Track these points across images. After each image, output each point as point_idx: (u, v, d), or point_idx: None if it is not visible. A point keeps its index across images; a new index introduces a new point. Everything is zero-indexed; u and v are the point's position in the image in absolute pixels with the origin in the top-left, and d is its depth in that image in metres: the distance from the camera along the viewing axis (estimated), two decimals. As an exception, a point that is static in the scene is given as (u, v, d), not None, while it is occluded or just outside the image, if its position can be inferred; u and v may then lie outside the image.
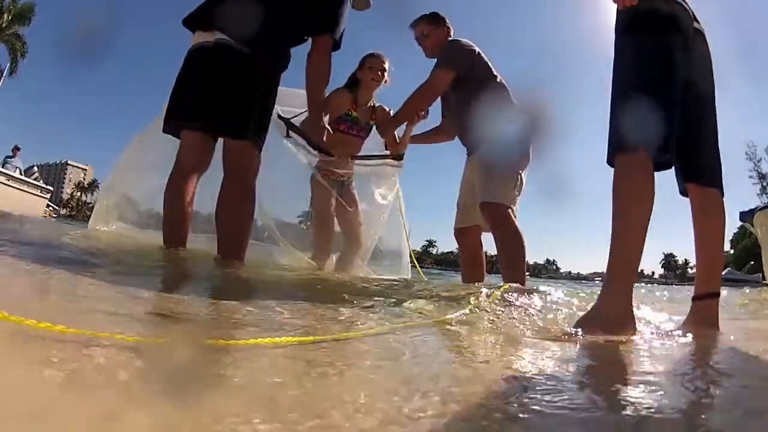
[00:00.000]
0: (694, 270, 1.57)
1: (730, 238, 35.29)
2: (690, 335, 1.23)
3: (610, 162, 1.34)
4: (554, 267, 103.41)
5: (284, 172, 2.62)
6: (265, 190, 2.09)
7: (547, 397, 0.58)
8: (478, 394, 0.61)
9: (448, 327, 1.08)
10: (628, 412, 0.56)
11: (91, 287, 1.11)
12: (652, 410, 0.57)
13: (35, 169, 16.47)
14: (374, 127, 2.72)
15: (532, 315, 1.33)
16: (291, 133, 2.37)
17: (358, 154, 2.75)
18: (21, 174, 11.86)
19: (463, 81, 2.39)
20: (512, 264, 2.29)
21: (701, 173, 1.46)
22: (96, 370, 0.54)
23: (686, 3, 1.43)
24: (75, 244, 1.96)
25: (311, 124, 2.21)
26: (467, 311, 1.20)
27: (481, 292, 1.41)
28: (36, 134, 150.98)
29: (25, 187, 11.81)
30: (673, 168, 1.46)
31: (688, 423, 0.56)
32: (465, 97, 2.42)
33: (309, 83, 2.08)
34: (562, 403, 0.56)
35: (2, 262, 1.26)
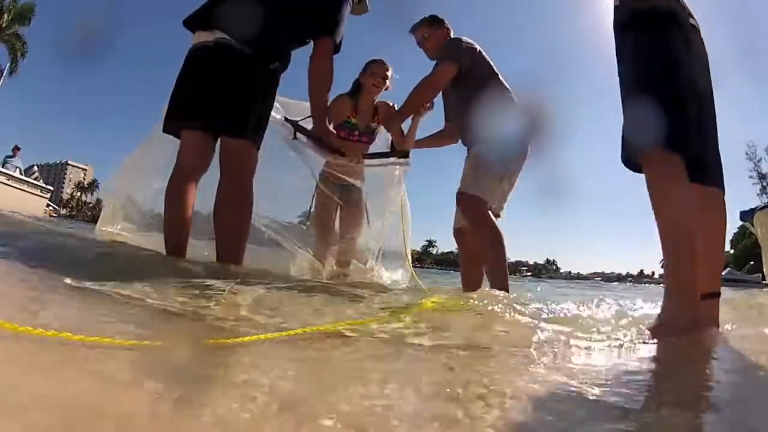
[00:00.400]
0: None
1: (730, 238, 35.28)
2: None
3: (626, 163, 1.33)
4: (554, 267, 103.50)
5: (284, 171, 2.63)
6: (264, 189, 2.09)
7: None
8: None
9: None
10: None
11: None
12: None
13: (35, 168, 16.48)
14: (377, 129, 2.72)
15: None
16: (298, 135, 2.38)
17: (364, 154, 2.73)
18: (21, 174, 11.87)
19: (464, 78, 2.38)
20: (491, 263, 2.26)
21: (704, 173, 1.45)
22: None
23: None
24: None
25: (318, 128, 2.22)
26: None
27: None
28: (36, 134, 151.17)
29: (25, 187, 11.82)
30: None
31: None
32: (466, 95, 2.42)
33: (311, 86, 2.08)
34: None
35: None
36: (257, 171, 1.95)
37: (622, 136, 1.36)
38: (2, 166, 11.22)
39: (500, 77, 2.46)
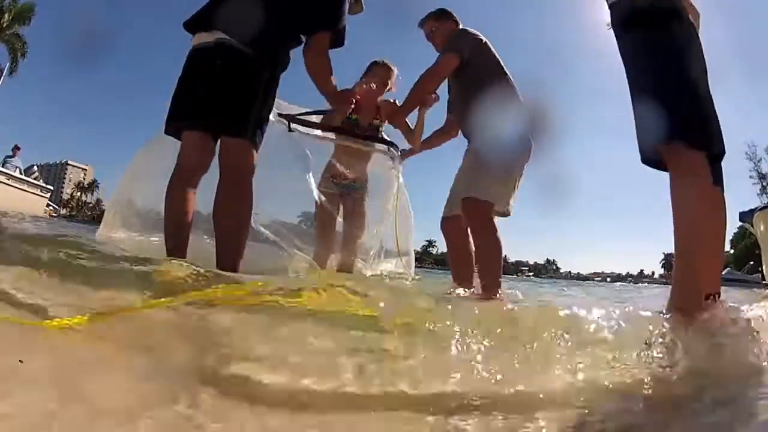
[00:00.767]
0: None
1: (730, 238, 35.22)
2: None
3: (647, 161, 1.32)
4: (554, 267, 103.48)
5: (283, 171, 2.64)
6: (264, 189, 2.09)
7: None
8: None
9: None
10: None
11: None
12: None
13: (35, 168, 16.46)
14: (380, 126, 2.73)
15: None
16: (293, 126, 2.39)
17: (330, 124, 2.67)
18: (21, 173, 11.86)
19: (466, 69, 2.36)
20: (485, 263, 2.25)
21: (719, 173, 1.44)
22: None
23: None
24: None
25: (335, 100, 2.22)
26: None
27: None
28: (36, 134, 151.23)
29: (25, 187, 11.82)
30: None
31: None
32: (467, 86, 2.39)
33: (316, 81, 2.10)
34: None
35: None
36: (257, 172, 1.96)
37: (639, 134, 1.36)
38: (2, 166, 11.22)
39: (506, 72, 2.43)
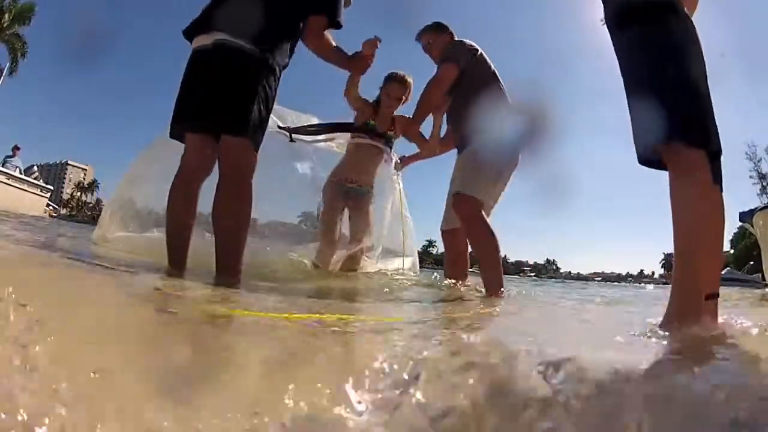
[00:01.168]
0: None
1: (730, 238, 35.23)
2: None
3: (644, 161, 1.32)
4: (554, 267, 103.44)
5: (283, 173, 2.67)
6: (264, 190, 2.10)
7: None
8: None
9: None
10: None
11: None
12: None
13: (35, 168, 16.45)
14: (393, 138, 2.82)
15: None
16: (294, 136, 2.48)
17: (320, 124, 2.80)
18: (21, 173, 11.86)
19: (463, 78, 2.45)
20: (484, 261, 2.32)
21: (718, 172, 1.44)
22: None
23: None
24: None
25: (349, 66, 2.35)
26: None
27: None
28: (36, 134, 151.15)
29: (25, 186, 11.81)
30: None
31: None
32: (466, 94, 2.47)
33: (323, 59, 2.18)
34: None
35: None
36: (257, 173, 1.96)
37: (635, 134, 1.35)
38: (2, 166, 11.21)
39: (499, 81, 2.53)
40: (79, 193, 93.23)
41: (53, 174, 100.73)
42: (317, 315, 0.90)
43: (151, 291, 1.21)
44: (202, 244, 1.99)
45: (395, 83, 2.78)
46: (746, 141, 33.63)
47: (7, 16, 22.19)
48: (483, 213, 2.32)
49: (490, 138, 2.34)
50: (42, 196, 13.07)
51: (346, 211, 2.79)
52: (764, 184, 32.83)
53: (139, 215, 2.64)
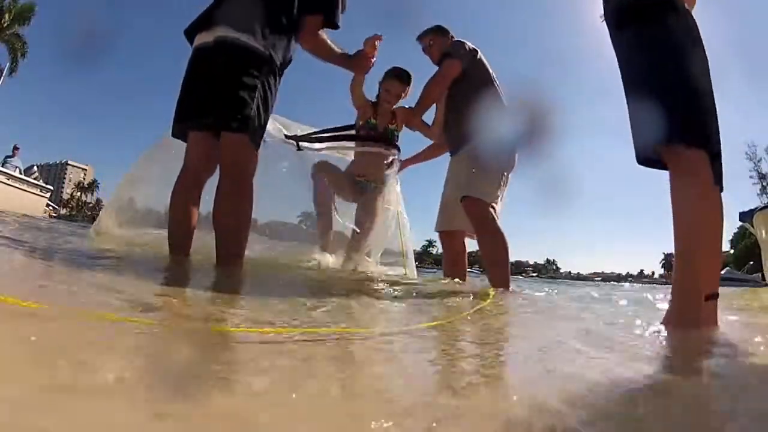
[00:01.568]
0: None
1: (730, 238, 35.24)
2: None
3: (643, 161, 1.32)
4: (554, 267, 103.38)
5: (283, 173, 2.68)
6: (264, 191, 2.11)
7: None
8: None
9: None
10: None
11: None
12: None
13: (35, 168, 16.45)
14: (395, 131, 2.81)
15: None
16: (302, 145, 2.59)
17: (328, 133, 2.82)
18: (21, 173, 11.86)
19: (462, 78, 2.47)
20: (494, 263, 2.35)
21: (719, 173, 1.43)
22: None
23: None
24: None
25: (350, 65, 2.36)
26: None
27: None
28: (36, 134, 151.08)
29: (25, 187, 11.81)
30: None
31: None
32: (466, 93, 2.49)
33: (321, 58, 2.18)
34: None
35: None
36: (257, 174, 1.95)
37: (635, 134, 1.35)
38: (2, 166, 11.21)
39: (496, 85, 2.56)
40: (79, 193, 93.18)
41: (53, 174, 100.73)
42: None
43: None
44: (202, 245, 1.99)
45: (395, 80, 2.78)
46: (746, 141, 33.68)
47: (7, 16, 22.17)
48: (493, 213, 2.33)
49: (490, 138, 2.35)
50: (42, 196, 13.06)
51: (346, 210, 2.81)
52: (764, 184, 32.85)
53: (139, 215, 2.65)
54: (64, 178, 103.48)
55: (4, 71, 20.40)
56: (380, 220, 2.77)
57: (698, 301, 1.23)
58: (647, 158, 1.36)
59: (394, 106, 2.79)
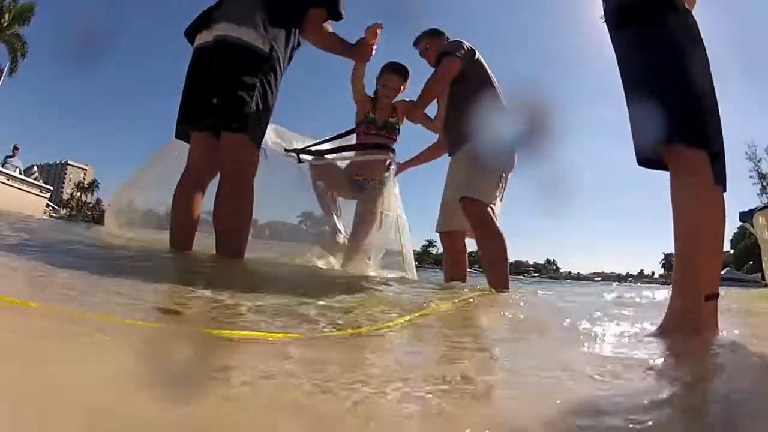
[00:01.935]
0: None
1: (730, 238, 35.25)
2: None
3: (644, 162, 1.32)
4: (554, 267, 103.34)
5: (283, 174, 2.69)
6: (264, 190, 2.11)
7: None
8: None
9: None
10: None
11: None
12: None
13: (35, 168, 16.44)
14: (396, 124, 2.80)
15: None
16: (302, 157, 2.61)
17: (331, 146, 2.81)
18: (21, 173, 11.85)
19: (461, 78, 2.46)
20: (493, 264, 2.35)
21: (720, 173, 1.43)
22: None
23: None
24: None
25: (352, 54, 2.37)
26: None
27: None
28: (36, 134, 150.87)
29: (24, 187, 11.79)
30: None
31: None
32: (466, 93, 2.48)
33: (326, 50, 2.21)
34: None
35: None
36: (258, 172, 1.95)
37: (635, 135, 1.34)
38: (2, 166, 11.20)
39: (495, 85, 2.55)
40: (79, 193, 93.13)
41: (53, 174, 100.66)
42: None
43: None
44: (203, 244, 1.99)
45: (393, 74, 2.77)
46: (746, 141, 33.70)
47: (7, 16, 22.17)
48: (492, 214, 2.33)
49: (490, 138, 2.35)
50: (42, 196, 13.04)
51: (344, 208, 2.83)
52: (764, 184, 32.85)
53: (140, 217, 2.66)
54: (64, 178, 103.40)
55: (4, 71, 20.40)
56: (379, 219, 2.76)
57: (698, 302, 1.23)
58: (647, 159, 1.36)
59: (394, 100, 2.78)
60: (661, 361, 0.98)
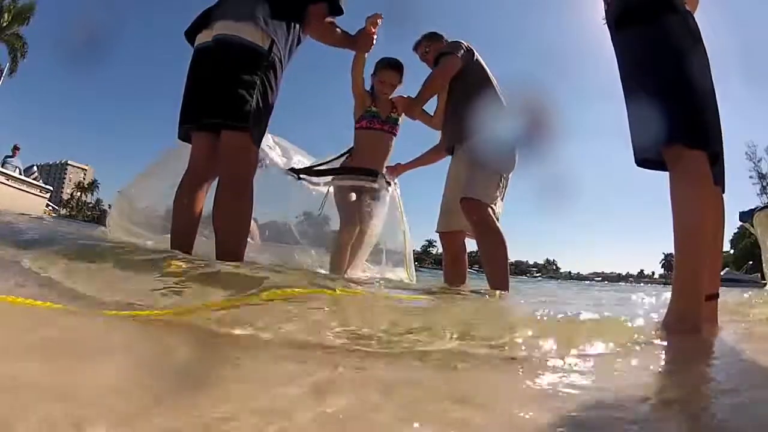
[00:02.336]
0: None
1: (730, 238, 35.29)
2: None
3: (642, 162, 1.32)
4: (554, 267, 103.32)
5: (282, 174, 2.70)
6: (264, 190, 2.12)
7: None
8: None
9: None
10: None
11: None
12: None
13: (35, 168, 16.40)
14: (398, 119, 2.79)
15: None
16: (302, 176, 2.65)
17: (320, 168, 2.80)
18: (20, 174, 11.84)
19: (460, 77, 2.47)
20: (492, 264, 2.34)
21: (719, 173, 1.40)
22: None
23: None
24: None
25: (354, 45, 2.37)
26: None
27: None
28: (36, 134, 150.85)
29: (24, 187, 11.79)
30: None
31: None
32: (467, 91, 2.48)
33: (329, 43, 2.21)
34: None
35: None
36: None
37: (634, 136, 1.34)
38: (2, 166, 11.20)
39: (494, 85, 2.54)
40: (79, 193, 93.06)
41: (53, 174, 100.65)
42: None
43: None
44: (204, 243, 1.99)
45: (389, 69, 2.75)
46: (746, 141, 33.73)
47: (6, 15, 22.15)
48: (493, 215, 2.33)
49: (489, 138, 2.35)
50: (41, 196, 13.04)
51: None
52: (764, 184, 32.88)
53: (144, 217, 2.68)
54: (64, 178, 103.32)
55: (4, 71, 20.37)
56: (380, 221, 2.75)
57: (698, 302, 1.23)
58: (645, 159, 1.36)
59: (390, 96, 2.77)
60: (660, 363, 0.98)
